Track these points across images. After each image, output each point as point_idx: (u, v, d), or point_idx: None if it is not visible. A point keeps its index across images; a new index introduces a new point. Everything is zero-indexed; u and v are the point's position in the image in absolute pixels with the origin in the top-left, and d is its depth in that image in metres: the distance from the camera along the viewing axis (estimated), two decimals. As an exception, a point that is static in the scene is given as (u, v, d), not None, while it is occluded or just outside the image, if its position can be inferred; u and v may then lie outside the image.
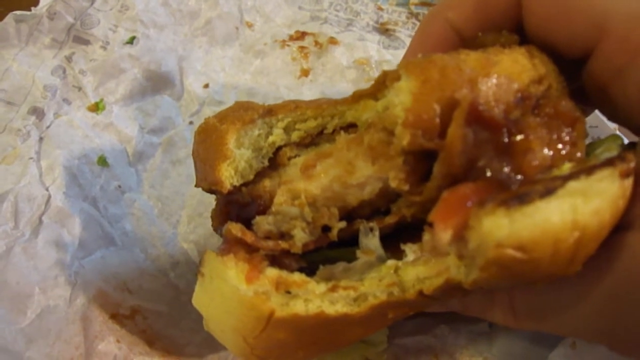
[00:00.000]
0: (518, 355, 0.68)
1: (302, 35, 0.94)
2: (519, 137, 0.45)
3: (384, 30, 0.98)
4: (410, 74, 0.45)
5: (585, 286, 0.46)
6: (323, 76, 0.90)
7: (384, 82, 0.50)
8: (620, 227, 0.45)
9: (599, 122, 0.80)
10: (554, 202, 0.39)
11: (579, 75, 0.52)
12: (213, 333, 0.54)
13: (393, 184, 0.48)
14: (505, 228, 0.39)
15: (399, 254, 0.51)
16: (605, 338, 0.48)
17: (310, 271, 0.51)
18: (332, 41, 0.93)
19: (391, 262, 0.50)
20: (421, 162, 0.47)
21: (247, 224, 0.52)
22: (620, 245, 0.45)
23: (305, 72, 0.91)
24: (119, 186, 0.76)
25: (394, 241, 0.53)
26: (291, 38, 0.94)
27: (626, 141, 0.54)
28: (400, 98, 0.45)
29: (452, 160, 0.43)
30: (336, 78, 0.90)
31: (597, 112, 0.69)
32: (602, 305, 0.46)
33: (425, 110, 0.43)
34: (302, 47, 0.93)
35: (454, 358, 0.68)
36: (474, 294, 0.56)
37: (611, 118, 0.57)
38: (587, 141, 0.57)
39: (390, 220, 0.52)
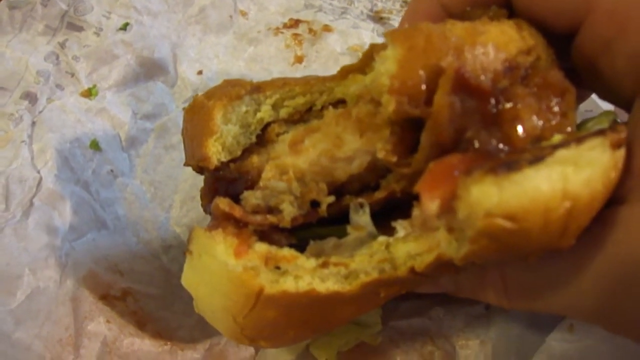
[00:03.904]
0: (515, 338, 0.67)
1: (296, 23, 0.94)
2: (507, 106, 0.45)
3: (378, 18, 0.98)
4: (395, 41, 0.44)
5: (578, 262, 0.46)
6: (317, 63, 0.90)
7: (371, 56, 0.50)
8: (613, 201, 0.44)
9: (595, 107, 0.79)
10: (543, 170, 0.39)
11: (568, 54, 0.52)
12: (203, 314, 0.54)
13: (380, 155, 0.47)
14: (494, 196, 0.38)
15: (390, 232, 0.51)
16: (599, 317, 0.47)
17: (300, 248, 0.51)
18: (326, 28, 0.93)
19: (382, 239, 0.50)
20: (409, 133, 0.47)
21: (236, 200, 0.52)
22: (613, 220, 0.44)
23: (299, 59, 0.91)
24: (112, 170, 0.76)
25: (385, 219, 0.52)
26: (285, 26, 0.94)
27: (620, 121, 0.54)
28: (386, 66, 0.44)
29: (439, 128, 0.43)
30: (330, 64, 0.90)
31: (592, 97, 0.69)
32: (595, 283, 0.45)
33: (411, 77, 0.43)
34: (296, 35, 0.93)
35: (450, 341, 0.67)
36: (466, 273, 0.56)
37: (601, 95, 0.56)
38: (580, 119, 0.56)
39: (379, 195, 0.52)
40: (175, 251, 0.73)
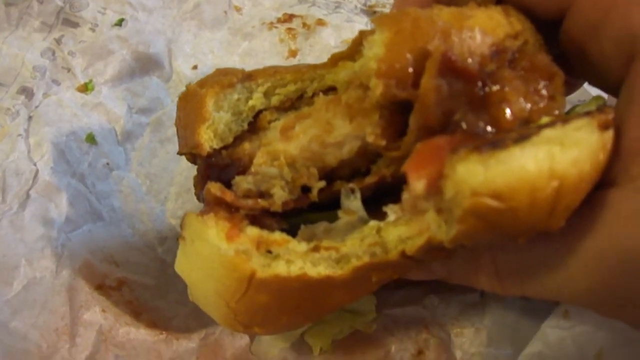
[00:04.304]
0: (510, 326, 0.67)
1: (290, 17, 0.95)
2: (494, 89, 0.45)
3: (371, 12, 0.98)
4: (383, 25, 0.45)
5: (568, 245, 0.46)
6: (311, 56, 0.91)
7: (360, 42, 0.50)
8: (603, 184, 0.44)
9: (587, 97, 0.79)
10: (529, 148, 0.39)
11: (557, 41, 0.52)
12: (197, 301, 0.54)
13: (370, 139, 0.48)
14: (480, 175, 0.38)
15: (381, 217, 0.51)
16: (590, 301, 0.47)
17: (292, 234, 0.51)
18: (320, 23, 0.94)
19: (373, 223, 0.50)
20: (398, 116, 0.48)
21: (227, 186, 0.52)
22: (603, 203, 0.44)
23: (293, 53, 0.91)
24: (107, 164, 0.77)
25: (376, 205, 0.53)
26: (279, 20, 0.95)
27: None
28: (374, 50, 0.45)
29: (426, 110, 0.43)
30: (324, 58, 0.87)
31: (584, 87, 0.69)
32: (585, 267, 0.45)
33: (398, 60, 0.43)
34: (290, 29, 0.94)
35: (445, 329, 0.68)
36: (458, 259, 0.56)
37: (591, 81, 0.57)
38: (569, 106, 0.57)
39: (370, 180, 0.52)
40: (171, 242, 0.74)
